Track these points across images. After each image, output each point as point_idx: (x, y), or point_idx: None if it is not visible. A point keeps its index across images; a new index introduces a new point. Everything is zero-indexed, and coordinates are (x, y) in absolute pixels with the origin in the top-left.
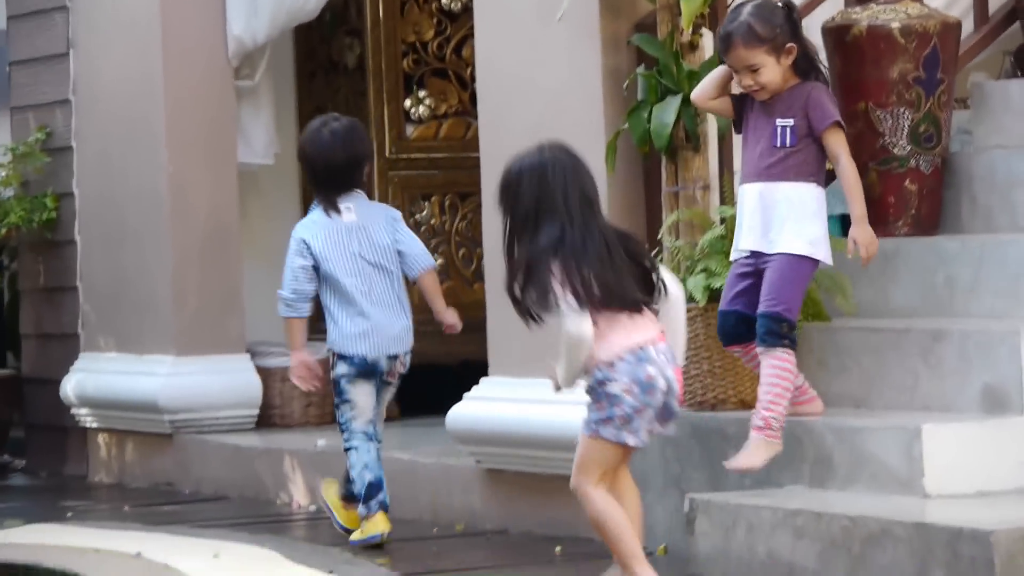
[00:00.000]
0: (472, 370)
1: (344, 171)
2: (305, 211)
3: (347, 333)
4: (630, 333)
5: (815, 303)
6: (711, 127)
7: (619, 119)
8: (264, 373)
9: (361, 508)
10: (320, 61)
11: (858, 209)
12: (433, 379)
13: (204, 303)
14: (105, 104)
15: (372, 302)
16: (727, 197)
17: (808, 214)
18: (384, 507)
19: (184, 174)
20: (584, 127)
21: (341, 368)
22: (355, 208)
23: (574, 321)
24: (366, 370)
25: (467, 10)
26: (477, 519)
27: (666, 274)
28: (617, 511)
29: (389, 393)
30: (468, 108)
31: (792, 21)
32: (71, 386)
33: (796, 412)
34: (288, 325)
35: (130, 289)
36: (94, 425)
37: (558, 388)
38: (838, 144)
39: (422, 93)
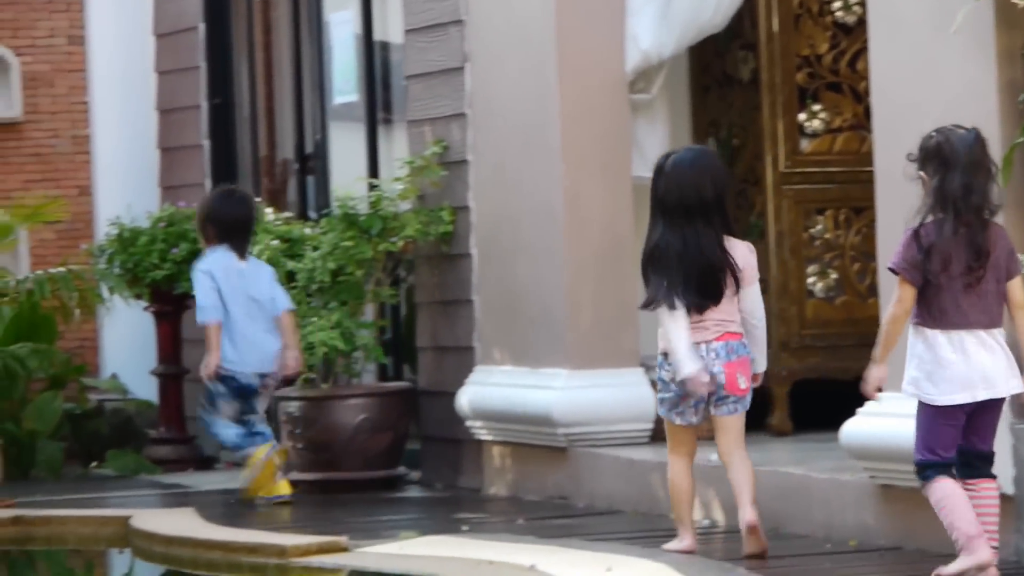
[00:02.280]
0: None
1: (250, 228)
2: None
3: (231, 355)
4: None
5: None
6: None
7: (1015, 132)
8: None
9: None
10: (715, 75)
11: (875, 351)
12: (827, 394)
13: (598, 317)
14: (500, 117)
15: (252, 330)
16: None
17: (908, 356)
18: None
19: (579, 187)
20: None
21: (219, 384)
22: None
23: (665, 316)
24: (240, 386)
25: (861, 23)
26: (871, 535)
27: (752, 291)
28: (682, 481)
29: (263, 401)
30: (863, 122)
31: (927, 150)
32: (466, 399)
33: None
34: (210, 330)
35: (525, 302)
36: (488, 438)
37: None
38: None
39: (816, 107)
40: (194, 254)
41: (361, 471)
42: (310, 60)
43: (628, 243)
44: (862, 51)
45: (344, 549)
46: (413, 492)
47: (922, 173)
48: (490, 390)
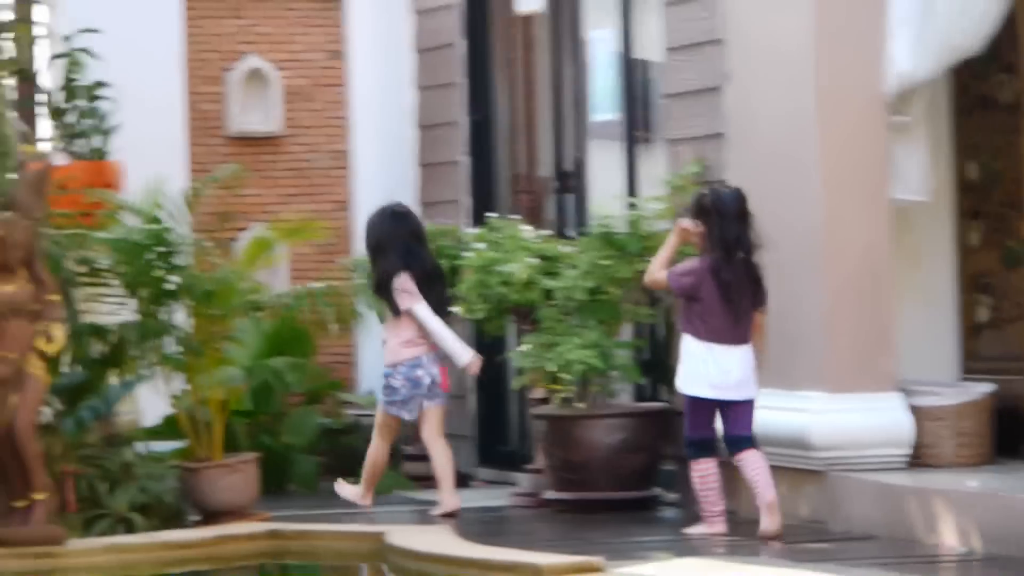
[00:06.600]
0: None
1: None
2: (961, 247)
3: None
4: (412, 346)
5: None
6: None
7: None
8: (916, 412)
9: None
10: (975, 97)
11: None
12: None
13: (856, 339)
14: (758, 138)
15: None
16: None
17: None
18: None
19: (838, 209)
20: None
21: None
22: None
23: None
24: None
25: None
26: None
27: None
28: (378, 457)
29: None
30: None
31: (701, 205)
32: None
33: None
34: None
35: (782, 323)
36: None
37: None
38: None
39: None
40: (451, 271)
41: (615, 491)
42: (569, 77)
43: (886, 266)
44: None
45: (599, 569)
46: (668, 513)
47: (698, 223)
48: None
